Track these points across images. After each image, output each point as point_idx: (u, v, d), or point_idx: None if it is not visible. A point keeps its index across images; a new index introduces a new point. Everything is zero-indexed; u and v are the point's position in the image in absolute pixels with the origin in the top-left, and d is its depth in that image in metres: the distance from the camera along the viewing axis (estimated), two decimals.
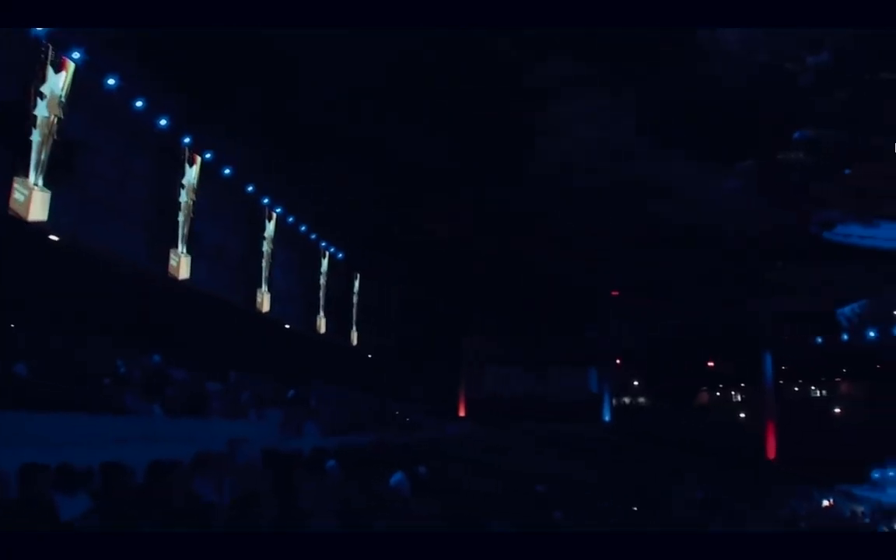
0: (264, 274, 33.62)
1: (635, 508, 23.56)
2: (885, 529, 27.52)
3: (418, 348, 47.38)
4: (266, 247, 33.76)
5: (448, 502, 12.58)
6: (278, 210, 34.51)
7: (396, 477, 13.20)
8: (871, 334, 40.67)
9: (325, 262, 40.70)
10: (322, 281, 40.48)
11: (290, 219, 36.29)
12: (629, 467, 35.88)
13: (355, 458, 14.15)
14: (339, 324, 42.87)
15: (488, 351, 50.42)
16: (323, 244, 40.46)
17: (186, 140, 26.66)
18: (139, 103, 23.79)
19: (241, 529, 6.79)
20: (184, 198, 26.79)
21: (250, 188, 32.21)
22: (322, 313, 40.35)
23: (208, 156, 28.14)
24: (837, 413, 50.85)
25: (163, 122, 25.12)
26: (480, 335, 49.83)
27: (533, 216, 38.20)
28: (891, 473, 38.34)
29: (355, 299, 44.92)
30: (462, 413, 49.33)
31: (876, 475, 38.75)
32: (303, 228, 38.00)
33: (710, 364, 56.66)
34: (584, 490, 23.83)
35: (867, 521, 29.45)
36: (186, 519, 6.65)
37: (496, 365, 51.08)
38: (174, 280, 26.10)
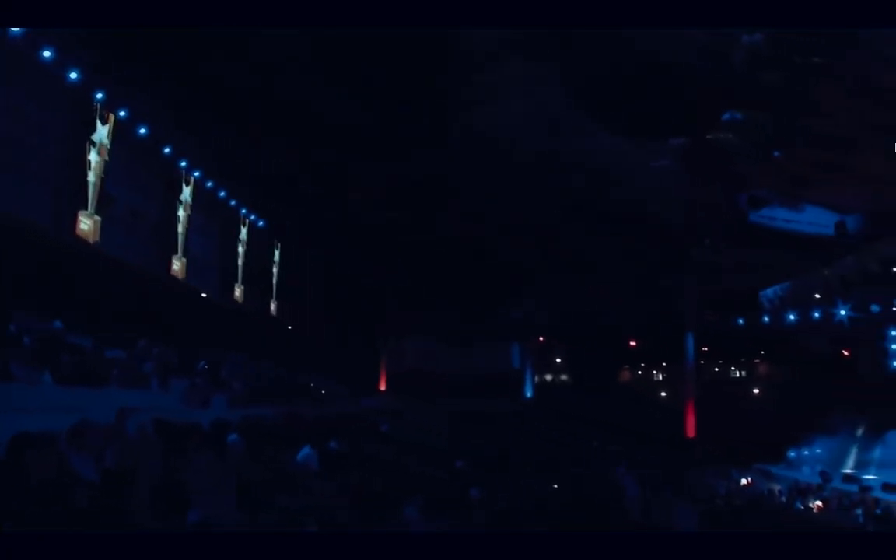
0: (180, 240, 32.57)
1: (555, 485, 23.29)
2: (801, 507, 27.68)
3: (339, 320, 46.59)
4: (183, 212, 32.67)
5: (359, 478, 12.01)
6: (196, 174, 33.40)
7: (304, 452, 12.59)
8: (792, 317, 40.99)
9: (244, 230, 39.64)
10: (241, 249, 39.45)
11: (209, 184, 35.19)
12: (549, 444, 35.75)
13: (262, 431, 13.44)
14: (258, 294, 41.90)
15: (410, 324, 49.63)
16: (243, 211, 39.41)
17: (99, 96, 25.39)
18: (47, 53, 22.56)
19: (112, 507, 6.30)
20: (94, 157, 25.59)
21: (167, 150, 30.98)
22: (240, 282, 39.34)
23: (122, 113, 26.92)
24: (756, 393, 51.36)
25: (73, 75, 23.89)
26: (403, 308, 48.97)
27: (458, 189, 37.65)
28: (806, 453, 38.75)
29: (276, 269, 43.88)
30: (383, 387, 48.59)
31: (792, 455, 39.15)
32: (222, 194, 36.88)
33: (633, 343, 56.95)
34: (504, 466, 23.46)
35: (783, 499, 29.59)
36: (49, 495, 5.91)
37: (418, 339, 50.44)
38: (84, 243, 24.99)
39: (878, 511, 25.71)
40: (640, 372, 58.99)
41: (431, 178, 36.07)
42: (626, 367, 58.94)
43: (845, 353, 44.82)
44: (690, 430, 45.25)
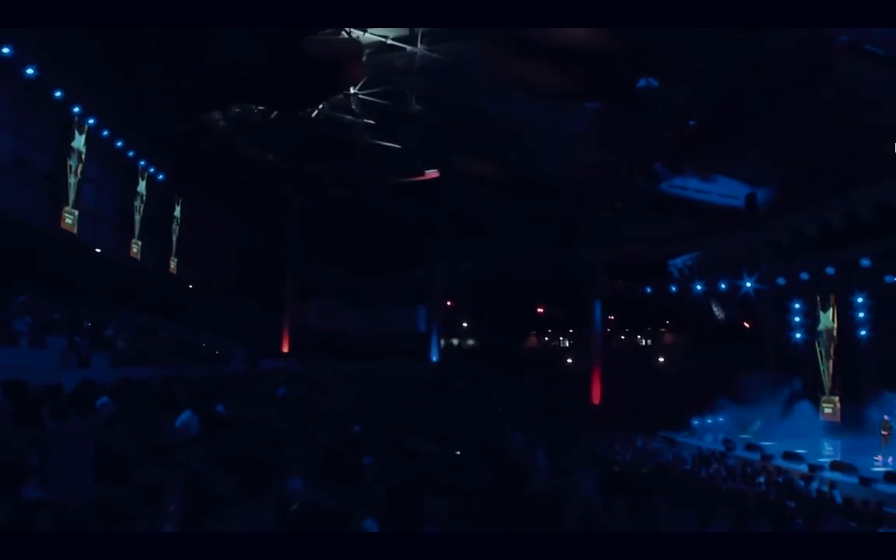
0: (72, 192, 30.89)
1: (458, 452, 22.67)
2: (705, 474, 27.65)
3: (241, 278, 45.21)
4: (75, 162, 30.98)
5: (243, 445, 11.07)
6: (91, 121, 31.68)
7: (184, 416, 11.57)
8: (699, 287, 41.08)
9: (143, 184, 37.97)
10: (139, 203, 37.79)
11: (105, 132, 33.47)
12: (452, 409, 35.27)
13: (141, 394, 12.37)
14: (156, 250, 40.32)
15: (315, 285, 48.44)
16: (142, 163, 37.71)
17: None
18: None
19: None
20: None
21: (58, 94, 29.20)
22: (138, 238, 37.72)
23: (6, 51, 25.18)
24: (661, 362, 51.70)
25: None
26: (307, 269, 47.73)
27: (364, 149, 36.71)
28: (709, 421, 38.98)
29: (176, 225, 42.23)
30: (286, 349, 47.29)
31: (695, 423, 39.39)
32: (119, 144, 35.17)
33: (540, 310, 56.94)
34: (404, 432, 22.71)
35: (688, 467, 29.61)
36: None
37: (322, 299, 49.35)
38: None
39: (780, 479, 25.80)
40: (547, 338, 58.99)
41: (333, 132, 35.10)
42: (534, 333, 58.89)
43: (747, 324, 45.21)
44: (596, 397, 45.27)
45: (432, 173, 38.40)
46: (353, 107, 33.92)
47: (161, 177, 39.41)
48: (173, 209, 41.85)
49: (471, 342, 57.73)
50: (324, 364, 39.36)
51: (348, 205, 42.34)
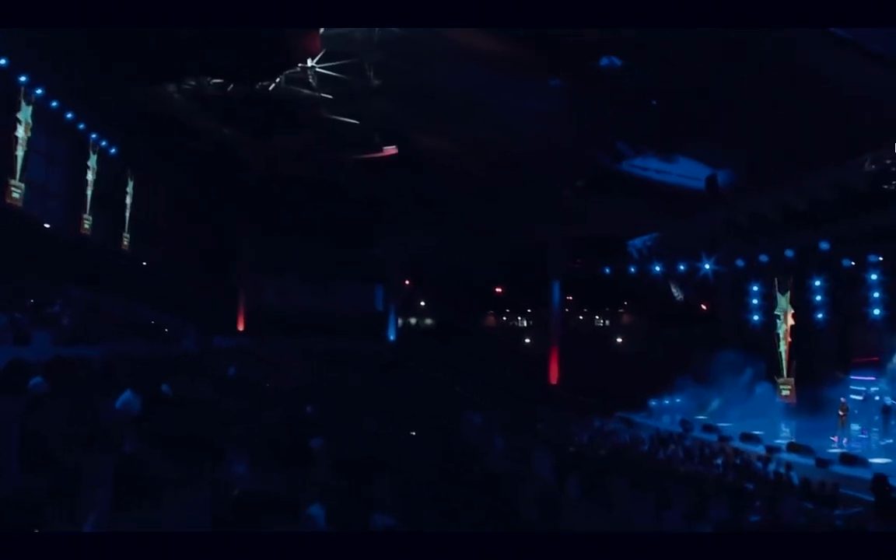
0: (19, 164, 29.97)
1: (413, 433, 22.30)
2: (663, 456, 27.51)
3: (195, 255, 44.35)
4: (22, 133, 30.04)
5: (186, 426, 10.58)
6: (39, 92, 30.76)
7: (124, 396, 11.06)
8: (658, 268, 40.95)
9: (94, 158, 37.03)
10: (90, 178, 36.86)
11: (54, 104, 32.56)
12: (409, 389, 34.91)
13: (80, 373, 11.82)
14: (108, 226, 39.42)
15: (271, 262, 47.65)
16: (93, 136, 36.78)
17: None
18: None
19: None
20: None
21: (3, 62, 28.24)
22: (89, 213, 36.80)
23: None
24: (619, 343, 51.66)
25: None
26: (263, 246, 46.90)
27: (321, 124, 36.06)
28: (666, 402, 38.94)
29: (129, 201, 41.25)
30: (241, 326, 46.53)
31: (653, 404, 39.34)
32: (69, 116, 34.24)
33: (498, 290, 56.69)
34: (358, 412, 22.29)
35: (645, 448, 29.45)
36: None
37: (278, 277, 48.61)
38: None
39: (738, 461, 25.73)
40: (505, 318, 58.78)
41: (290, 107, 34.45)
42: (492, 312, 58.66)
43: (704, 307, 45.22)
44: (554, 378, 45.10)
45: (390, 149, 37.82)
46: (311, 80, 33.28)
47: (113, 151, 38.46)
48: (126, 184, 40.84)
49: (429, 321, 57.40)
50: (279, 342, 38.82)
51: (305, 181, 41.64)
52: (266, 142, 37.67)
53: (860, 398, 32.08)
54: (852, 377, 35.60)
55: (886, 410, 30.20)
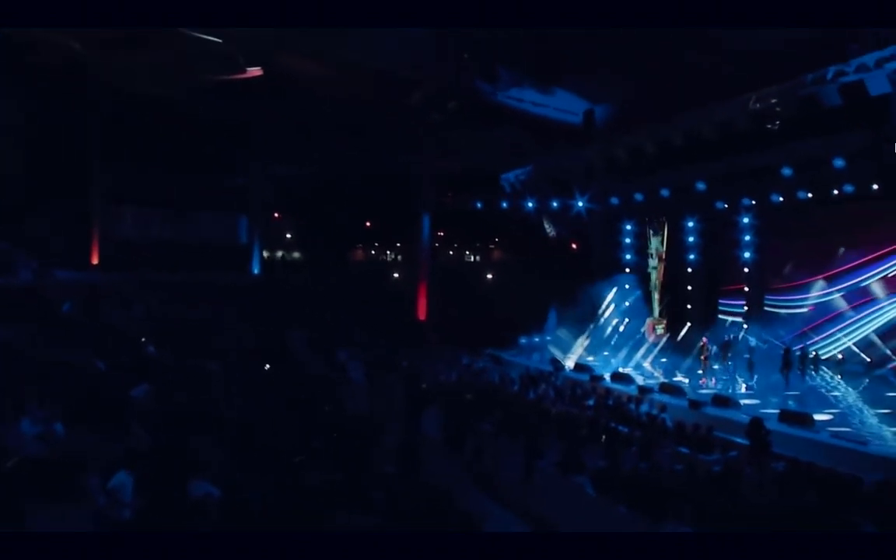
0: None
1: (267, 366, 21.00)
2: (533, 396, 26.74)
3: (41, 182, 40.96)
4: None
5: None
6: None
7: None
8: (530, 204, 40.02)
9: None
10: None
11: None
12: (268, 322, 33.49)
13: None
14: None
15: (126, 191, 44.59)
16: None
17: None
18: None
19: None
20: None
21: None
22: None
23: None
24: (490, 279, 50.86)
25: None
26: (116, 173, 43.72)
27: (180, 42, 33.51)
28: (536, 340, 38.33)
29: None
30: (95, 260, 43.42)
31: (523, 341, 38.66)
32: None
33: (367, 223, 55.41)
34: (204, 351, 20.70)
35: (516, 388, 28.63)
36: None
37: (135, 207, 45.78)
38: None
39: (610, 401, 25.09)
40: (374, 252, 57.50)
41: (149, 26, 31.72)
42: (360, 246, 57.29)
43: (575, 245, 44.80)
44: (422, 314, 44.07)
45: (254, 71, 35.56)
46: None
47: None
48: None
49: (296, 255, 55.63)
50: (134, 276, 36.47)
51: (162, 103, 38.89)
52: (120, 59, 34.86)
53: (729, 338, 32.09)
54: (720, 305, 36.33)
55: (752, 352, 30.34)
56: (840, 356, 31.19)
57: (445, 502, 11.20)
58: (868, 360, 30.26)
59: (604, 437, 19.32)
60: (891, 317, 29.96)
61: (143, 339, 17.97)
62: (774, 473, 16.45)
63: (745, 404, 24.54)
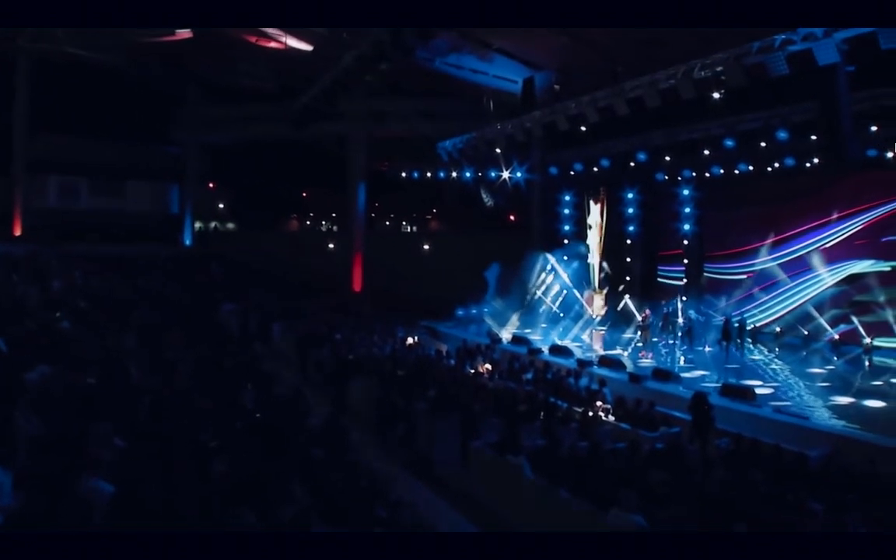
0: None
1: (192, 341, 20.05)
2: (471, 371, 26.10)
3: None
4: None
5: None
6: None
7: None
8: (468, 174, 39.27)
9: None
10: None
11: None
12: (197, 296, 32.53)
13: None
14: None
15: (51, 159, 42.77)
16: None
17: None
18: None
19: None
20: None
21: None
22: None
23: None
24: (426, 250, 50.15)
25: None
26: (41, 140, 41.85)
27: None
28: (473, 312, 37.71)
29: None
30: (18, 231, 41.50)
31: (460, 313, 38.02)
32: None
33: (304, 193, 54.47)
34: (132, 319, 19.74)
35: (452, 362, 27.95)
36: None
37: (61, 176, 44.07)
38: None
39: (549, 376, 24.51)
40: (309, 222, 56.49)
41: None
42: (295, 216, 56.24)
43: (512, 216, 44.30)
44: (357, 285, 43.29)
45: (184, 33, 34.16)
46: None
47: None
48: None
49: (230, 226, 54.38)
50: (59, 248, 35.04)
51: (88, 67, 37.38)
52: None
53: (668, 310, 31.95)
54: (659, 273, 36.58)
55: (691, 324, 30.24)
56: (778, 329, 31.14)
57: (375, 490, 10.50)
58: (805, 332, 30.21)
59: (542, 413, 18.64)
60: (827, 288, 29.99)
61: (58, 315, 16.91)
62: (718, 450, 16.08)
63: (685, 378, 24.18)
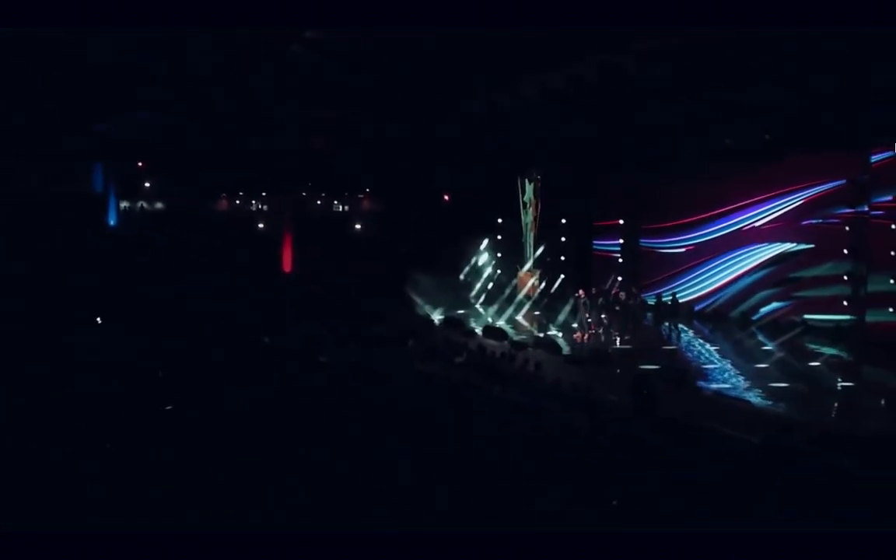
0: None
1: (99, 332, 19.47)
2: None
3: None
4: None
5: None
6: None
7: None
8: None
9: None
10: None
11: None
12: (123, 279, 31.69)
13: None
14: None
15: None
16: None
17: None
18: None
19: None
20: None
21: None
22: None
23: None
24: (358, 229, 49.63)
25: None
26: None
27: None
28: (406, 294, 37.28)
29: None
30: None
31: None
32: None
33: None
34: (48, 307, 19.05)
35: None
36: None
37: None
38: None
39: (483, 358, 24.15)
40: (238, 202, 55.49)
41: None
42: (225, 195, 55.19)
43: (447, 196, 43.94)
44: (287, 265, 42.70)
45: None
46: None
47: None
48: None
49: (158, 205, 53.03)
50: None
51: (8, 39, 36.00)
52: None
53: (604, 289, 31.96)
54: (595, 247, 36.72)
55: (626, 304, 30.41)
56: (710, 309, 31.30)
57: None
58: (741, 312, 30.34)
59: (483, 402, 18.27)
60: (759, 267, 30.19)
61: None
62: (661, 436, 15.83)
63: (623, 360, 24.14)
